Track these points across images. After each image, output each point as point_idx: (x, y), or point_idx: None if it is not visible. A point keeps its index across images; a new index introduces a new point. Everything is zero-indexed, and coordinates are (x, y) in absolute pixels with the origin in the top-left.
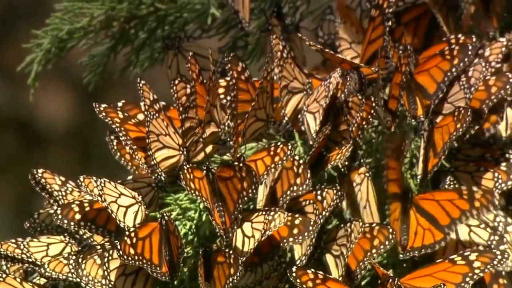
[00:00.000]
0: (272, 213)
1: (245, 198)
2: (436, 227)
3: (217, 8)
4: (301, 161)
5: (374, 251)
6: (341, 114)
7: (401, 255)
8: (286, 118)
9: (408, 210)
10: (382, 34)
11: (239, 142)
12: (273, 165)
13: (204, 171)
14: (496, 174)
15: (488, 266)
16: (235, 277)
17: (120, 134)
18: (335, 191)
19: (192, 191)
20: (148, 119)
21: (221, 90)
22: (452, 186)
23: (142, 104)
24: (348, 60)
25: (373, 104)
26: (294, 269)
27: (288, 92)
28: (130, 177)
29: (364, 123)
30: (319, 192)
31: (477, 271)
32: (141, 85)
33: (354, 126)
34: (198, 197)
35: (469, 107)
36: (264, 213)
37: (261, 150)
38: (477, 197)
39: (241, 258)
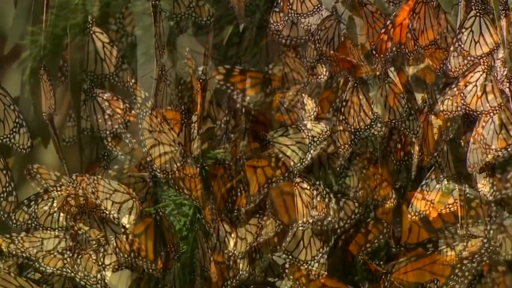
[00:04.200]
0: (265, 218)
1: (234, 197)
2: (428, 229)
3: (212, 4)
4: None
5: (368, 245)
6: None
7: (393, 249)
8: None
9: (401, 205)
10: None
11: (238, 148)
12: (274, 179)
13: (198, 168)
14: (491, 180)
15: (476, 256)
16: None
17: (121, 126)
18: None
19: (180, 190)
20: (141, 116)
21: (219, 77)
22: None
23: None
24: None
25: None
26: (287, 265)
27: (289, 80)
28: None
29: (361, 124)
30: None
31: (465, 261)
32: (131, 83)
33: (352, 126)
34: (186, 196)
35: (461, 107)
36: (258, 216)
37: (262, 157)
38: (473, 205)
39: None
